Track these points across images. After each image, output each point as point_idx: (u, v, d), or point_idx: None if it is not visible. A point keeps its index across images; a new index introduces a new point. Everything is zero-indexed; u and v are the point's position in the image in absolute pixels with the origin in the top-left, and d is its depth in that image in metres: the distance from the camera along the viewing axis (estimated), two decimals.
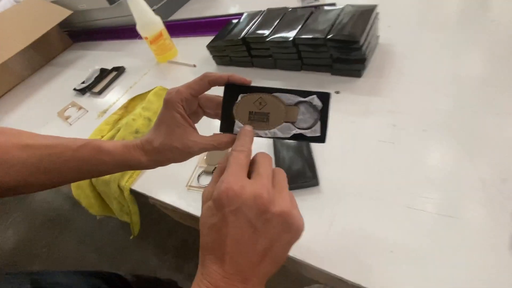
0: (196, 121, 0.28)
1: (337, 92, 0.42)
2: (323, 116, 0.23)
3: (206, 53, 0.60)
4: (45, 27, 0.90)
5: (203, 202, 0.20)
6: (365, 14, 0.42)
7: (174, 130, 0.24)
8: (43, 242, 1.20)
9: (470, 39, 0.41)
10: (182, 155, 0.26)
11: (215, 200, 0.18)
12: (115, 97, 0.66)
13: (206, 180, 0.39)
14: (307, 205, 0.31)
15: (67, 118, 0.65)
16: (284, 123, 0.24)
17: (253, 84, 0.24)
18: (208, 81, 0.24)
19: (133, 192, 0.43)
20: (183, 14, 0.86)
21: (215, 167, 0.38)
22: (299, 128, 0.24)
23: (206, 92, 0.25)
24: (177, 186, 0.39)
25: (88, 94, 0.71)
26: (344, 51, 0.41)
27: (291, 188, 0.31)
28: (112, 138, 0.49)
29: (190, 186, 0.39)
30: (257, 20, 0.53)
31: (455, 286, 0.22)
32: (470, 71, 0.37)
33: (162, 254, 0.97)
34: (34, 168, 0.25)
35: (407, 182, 0.29)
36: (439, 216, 0.26)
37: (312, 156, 0.34)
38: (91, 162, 0.26)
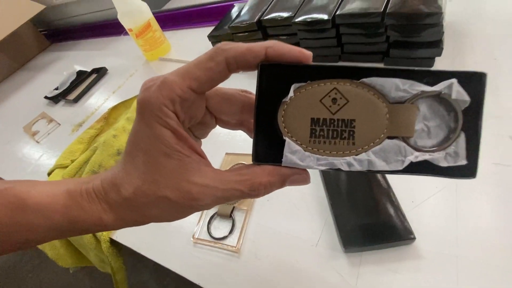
0: (203, 136, 0.16)
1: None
2: (472, 122, 0.11)
3: (207, 46, 0.47)
4: (14, 25, 0.76)
5: None
6: None
7: (161, 163, 0.12)
8: (29, 266, 1.08)
9: None
10: (177, 210, 0.13)
11: None
12: (93, 105, 0.52)
13: (219, 231, 0.26)
14: (400, 275, 0.19)
15: (34, 134, 0.51)
16: (388, 140, 0.12)
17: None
18: (227, 60, 0.11)
19: (114, 243, 0.30)
20: (175, 3, 0.73)
21: (233, 208, 0.25)
22: (420, 149, 0.12)
23: (220, 85, 0.13)
24: (179, 238, 0.26)
25: (62, 102, 0.58)
26: (411, 31, 0.29)
27: (378, 247, 0.18)
28: (86, 163, 0.36)
29: (197, 238, 0.26)
30: (272, 0, 0.41)
31: None
32: None
33: (161, 279, 0.85)
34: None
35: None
36: None
37: (396, 199, 0.22)
38: (8, 228, 0.13)
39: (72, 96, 0.56)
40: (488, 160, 0.22)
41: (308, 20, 0.33)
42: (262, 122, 0.12)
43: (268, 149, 0.12)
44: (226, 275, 0.23)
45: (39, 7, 0.80)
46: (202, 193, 0.12)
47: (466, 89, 0.11)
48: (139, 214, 0.13)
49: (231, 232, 0.25)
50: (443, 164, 0.11)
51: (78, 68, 0.64)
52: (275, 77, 0.12)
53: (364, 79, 0.11)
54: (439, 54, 0.29)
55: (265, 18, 0.37)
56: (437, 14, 0.26)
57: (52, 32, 0.94)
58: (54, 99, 0.57)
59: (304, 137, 0.12)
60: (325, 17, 0.32)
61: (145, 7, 0.51)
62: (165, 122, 0.11)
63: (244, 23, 0.39)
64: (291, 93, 0.12)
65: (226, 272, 0.23)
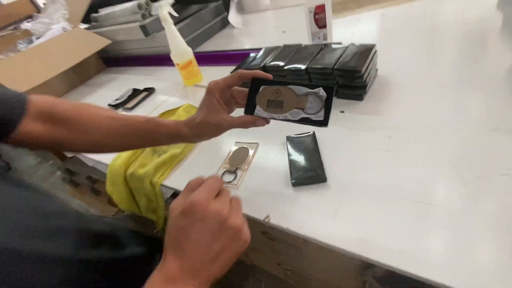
0: (230, 111, 0.36)
1: (342, 112, 0.50)
2: (327, 104, 0.30)
3: None
4: (86, 53, 1.03)
5: (172, 210, 0.24)
6: (366, 51, 0.52)
7: (211, 110, 0.33)
8: None
9: (453, 75, 0.50)
10: (215, 129, 0.34)
11: (186, 207, 0.23)
12: (145, 112, 0.75)
13: (228, 178, 0.45)
14: (316, 197, 0.37)
15: None
16: (295, 109, 0.31)
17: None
18: (239, 76, 0.32)
19: (163, 189, 0.49)
20: (208, 46, 0.99)
21: (236, 168, 0.45)
22: (307, 114, 0.30)
23: (236, 87, 0.34)
24: None
25: (121, 109, 0.80)
26: (348, 79, 0.50)
27: (304, 183, 0.37)
28: (143, 149, 0.57)
29: None
30: (274, 53, 0.64)
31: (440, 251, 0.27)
32: (449, 99, 0.45)
33: None
34: (115, 133, 0.35)
35: (400, 180, 0.36)
36: (420, 204, 0.32)
37: (321, 158, 0.41)
38: (152, 132, 0.35)
39: (129, 105, 0.79)
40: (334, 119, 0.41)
41: (292, 68, 0.55)
42: (249, 100, 0.33)
43: (250, 109, 0.32)
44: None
45: (106, 42, 1.07)
46: (224, 122, 0.33)
47: (325, 91, 0.31)
48: (201, 130, 0.34)
49: (234, 179, 0.44)
50: (314, 119, 0.31)
51: (133, 86, 0.88)
52: (256, 83, 0.33)
53: (289, 86, 0.32)
54: (365, 94, 0.50)
55: (267, 64, 0.60)
56: (360, 71, 0.47)
57: (108, 58, 1.22)
58: (116, 106, 0.80)
59: (264, 106, 0.32)
60: (302, 67, 0.54)
61: (189, 50, 0.76)
62: (215, 96, 0.32)
63: (254, 66, 0.61)
64: (261, 89, 0.32)
65: (235, 192, 0.42)
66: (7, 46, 1.09)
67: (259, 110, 0.32)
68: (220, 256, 0.23)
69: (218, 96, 0.32)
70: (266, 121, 0.33)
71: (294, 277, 0.74)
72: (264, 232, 0.60)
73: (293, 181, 0.39)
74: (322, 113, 0.30)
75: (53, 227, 0.27)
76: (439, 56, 0.57)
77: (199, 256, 0.23)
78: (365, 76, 0.49)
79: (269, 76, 0.32)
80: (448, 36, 0.61)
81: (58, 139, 0.35)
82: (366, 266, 0.44)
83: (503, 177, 0.32)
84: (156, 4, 0.72)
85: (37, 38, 1.08)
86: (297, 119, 0.31)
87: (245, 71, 0.32)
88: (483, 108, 0.42)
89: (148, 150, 0.55)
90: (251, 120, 0.32)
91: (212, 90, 0.32)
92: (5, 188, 0.27)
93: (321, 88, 0.30)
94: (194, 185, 0.26)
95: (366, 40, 0.61)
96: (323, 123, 0.30)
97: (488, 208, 0.30)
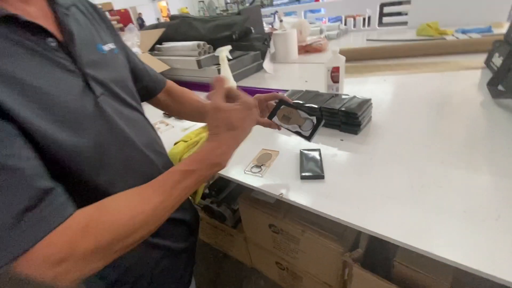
0: (263, 115, 0.56)
1: (342, 140, 0.70)
2: (315, 128, 0.48)
3: None
4: None
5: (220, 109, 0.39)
6: (364, 102, 0.74)
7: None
8: None
9: (429, 123, 0.70)
10: (250, 124, 0.55)
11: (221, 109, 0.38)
12: (192, 123, 0.97)
13: (255, 170, 0.64)
14: (316, 187, 0.55)
15: (158, 129, 0.96)
16: (295, 125, 0.50)
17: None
18: (273, 95, 0.53)
19: None
20: (245, 83, 1.26)
21: (262, 164, 0.64)
22: (300, 129, 0.49)
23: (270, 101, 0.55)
24: (239, 171, 0.65)
25: (172, 118, 1.03)
26: (348, 119, 0.71)
27: (308, 178, 0.56)
28: (195, 144, 0.77)
29: (245, 171, 0.64)
30: (298, 94, 0.87)
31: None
32: (417, 144, 0.65)
33: None
34: (195, 109, 0.61)
35: (370, 183, 0.54)
36: (381, 196, 0.50)
37: (322, 164, 0.60)
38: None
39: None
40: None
41: (309, 106, 0.77)
42: (273, 111, 0.54)
43: (271, 116, 0.53)
44: (256, 181, 0.60)
45: (166, 67, 1.36)
46: (258, 121, 0.54)
47: (317, 120, 0.50)
48: None
49: (259, 171, 0.63)
50: (303, 134, 0.51)
51: None
52: (280, 103, 0.54)
53: (298, 110, 0.52)
54: (359, 131, 0.71)
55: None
56: (357, 114, 0.68)
57: None
58: (168, 115, 1.04)
59: (280, 117, 0.53)
60: (317, 106, 0.76)
61: (234, 83, 1.01)
62: (255, 105, 0.53)
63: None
64: (281, 107, 0.53)
65: (256, 181, 0.60)
66: None
67: (275, 119, 0.53)
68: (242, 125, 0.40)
69: (257, 104, 0.53)
70: (277, 127, 0.53)
71: (288, 277, 0.87)
72: (271, 225, 0.77)
73: (302, 174, 0.58)
74: (309, 132, 0.49)
75: (156, 150, 0.52)
76: (418, 115, 0.78)
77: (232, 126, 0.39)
78: (360, 118, 0.70)
79: (289, 100, 0.53)
80: (430, 102, 0.83)
81: (169, 105, 0.64)
82: (347, 251, 0.60)
83: (435, 187, 0.50)
84: (219, 48, 0.99)
85: None
86: (293, 130, 0.51)
87: (278, 93, 0.54)
88: (434, 147, 0.61)
89: (198, 145, 0.75)
90: (269, 123, 0.53)
91: (255, 100, 0.54)
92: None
93: (315, 117, 0.49)
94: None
95: (368, 96, 0.83)
96: (308, 138, 0.49)
97: (425, 203, 0.47)
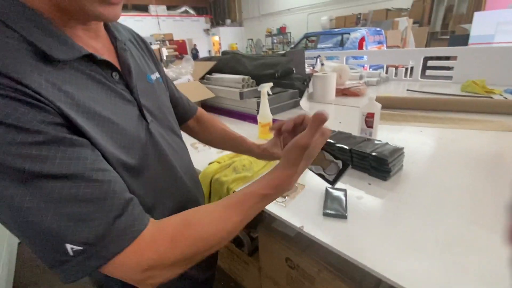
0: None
1: (369, 184, 0.71)
2: (340, 173, 0.43)
3: None
4: (198, 98, 1.46)
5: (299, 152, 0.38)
6: (397, 150, 0.74)
7: (273, 145, 0.58)
8: None
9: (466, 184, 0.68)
10: (270, 155, 0.60)
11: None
12: None
13: (280, 199, 0.67)
14: (338, 226, 0.56)
15: (196, 147, 1.05)
16: (319, 166, 0.45)
17: None
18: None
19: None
20: (282, 117, 1.33)
21: (287, 195, 0.67)
22: (324, 172, 0.44)
23: None
24: None
25: None
26: (378, 164, 0.72)
27: (330, 216, 0.57)
28: (228, 166, 0.83)
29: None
30: (332, 134, 0.90)
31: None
32: (446, 202, 0.63)
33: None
34: (222, 138, 0.66)
35: (397, 233, 0.53)
36: (401, 244, 0.49)
37: (347, 204, 0.61)
38: (239, 143, 0.65)
39: None
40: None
41: (339, 147, 0.80)
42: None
43: None
44: (278, 210, 0.63)
45: (212, 94, 1.50)
46: (275, 154, 0.60)
47: (343, 165, 0.43)
48: (264, 152, 0.62)
49: (283, 201, 0.66)
50: (327, 178, 0.45)
51: None
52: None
53: (323, 150, 0.50)
54: (389, 177, 0.71)
55: None
56: (387, 161, 0.69)
57: (207, 104, 1.65)
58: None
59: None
60: (347, 147, 0.78)
61: (270, 116, 1.08)
62: (279, 138, 0.57)
63: None
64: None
65: (279, 210, 0.63)
66: None
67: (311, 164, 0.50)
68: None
69: (280, 138, 0.55)
70: None
71: None
72: (288, 259, 0.77)
73: (325, 211, 0.59)
74: (333, 176, 0.44)
75: (193, 177, 0.56)
76: (453, 170, 0.75)
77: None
78: (390, 165, 0.70)
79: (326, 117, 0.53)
80: (467, 159, 0.81)
81: (197, 132, 0.69)
82: None
83: (466, 248, 0.48)
84: (262, 84, 1.09)
85: None
86: (316, 172, 0.45)
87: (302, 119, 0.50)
88: (466, 205, 0.58)
89: (230, 168, 0.81)
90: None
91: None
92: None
93: (341, 161, 0.43)
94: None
95: (402, 144, 0.83)
96: (332, 182, 0.44)
97: (449, 261, 0.46)
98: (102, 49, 0.40)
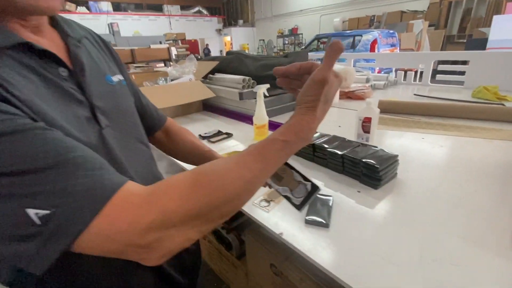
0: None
1: (359, 191, 0.68)
2: (308, 196, 0.39)
3: None
4: (198, 98, 1.46)
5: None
6: (390, 158, 0.71)
7: None
8: None
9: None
10: None
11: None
12: (221, 146, 1.03)
13: (263, 203, 0.65)
14: (319, 234, 0.54)
15: None
16: (287, 187, 0.41)
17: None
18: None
19: None
20: (280, 119, 1.31)
21: (271, 200, 0.65)
22: (291, 195, 0.41)
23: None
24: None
25: (206, 140, 1.12)
26: (369, 171, 0.69)
27: (312, 223, 0.55)
28: None
29: (254, 203, 0.65)
30: (324, 138, 0.88)
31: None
32: (438, 214, 0.59)
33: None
34: (190, 152, 0.63)
35: (377, 241, 0.50)
36: (381, 259, 0.46)
37: (331, 212, 0.59)
38: (208, 158, 0.61)
39: (214, 139, 1.10)
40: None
41: (332, 152, 0.77)
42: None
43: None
44: (261, 215, 0.61)
45: (212, 94, 1.50)
46: None
47: (312, 187, 0.40)
48: None
49: (267, 206, 0.64)
50: (293, 201, 0.40)
51: (219, 128, 1.21)
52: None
53: (293, 170, 0.45)
54: (379, 186, 0.68)
55: (316, 143, 0.83)
56: (378, 168, 0.66)
57: (208, 104, 1.64)
58: (204, 137, 1.12)
59: (272, 175, 0.48)
60: (339, 153, 0.75)
61: (266, 118, 1.06)
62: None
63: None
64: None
65: (261, 215, 0.61)
66: (152, 79, 1.62)
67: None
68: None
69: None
70: (265, 184, 0.45)
71: None
72: (272, 265, 0.75)
73: (306, 218, 0.57)
74: (301, 199, 0.40)
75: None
76: (451, 181, 0.71)
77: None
78: (381, 173, 0.67)
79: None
80: (469, 170, 0.76)
81: (164, 144, 0.65)
82: None
83: (449, 265, 0.45)
84: (257, 86, 1.08)
85: (172, 80, 1.58)
86: (283, 194, 0.42)
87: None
88: (459, 219, 0.55)
89: None
90: None
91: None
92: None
93: (310, 183, 0.40)
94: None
95: (401, 152, 0.80)
96: (297, 207, 0.40)
97: (431, 279, 0.43)
98: (48, 44, 0.37)
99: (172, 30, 10.72)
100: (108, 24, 5.19)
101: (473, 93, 1.51)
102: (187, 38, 10.74)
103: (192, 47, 10.46)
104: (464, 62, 1.77)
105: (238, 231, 0.98)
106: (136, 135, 0.48)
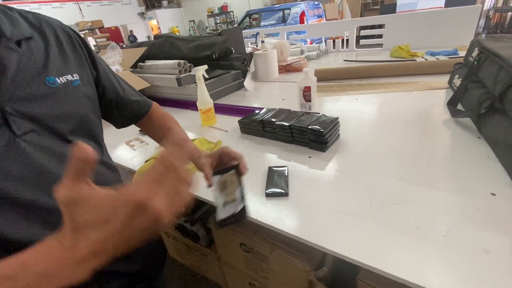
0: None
1: (309, 157, 0.72)
2: (230, 218, 0.39)
3: (235, 126, 0.93)
4: None
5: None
6: (332, 121, 0.76)
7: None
8: None
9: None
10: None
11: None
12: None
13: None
14: (280, 204, 0.56)
15: (132, 146, 0.95)
16: (224, 199, 0.42)
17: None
18: (235, 156, 0.49)
19: None
20: (225, 101, 1.28)
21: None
22: (222, 206, 0.41)
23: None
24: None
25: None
26: (316, 137, 0.73)
27: (273, 195, 0.56)
28: None
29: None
30: (271, 112, 0.89)
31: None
32: (379, 159, 0.67)
33: None
34: (164, 136, 0.60)
35: (332, 198, 0.55)
36: (339, 213, 0.50)
37: (288, 182, 0.61)
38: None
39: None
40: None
41: (280, 124, 0.79)
42: (220, 171, 0.47)
43: (216, 173, 0.46)
44: None
45: (146, 84, 1.37)
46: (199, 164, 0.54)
47: (241, 210, 0.40)
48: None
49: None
50: (218, 216, 0.40)
51: None
52: (234, 167, 0.47)
53: (240, 188, 0.46)
54: (326, 148, 0.72)
55: (265, 119, 0.84)
56: (323, 132, 0.71)
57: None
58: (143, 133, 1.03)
59: (221, 181, 0.46)
60: (287, 124, 0.78)
61: (211, 101, 1.02)
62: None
63: (256, 120, 0.85)
64: (230, 172, 0.48)
65: None
66: None
67: (216, 178, 0.44)
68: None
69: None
70: (209, 183, 0.45)
71: None
72: (242, 244, 0.76)
73: (266, 191, 0.58)
74: (224, 217, 0.39)
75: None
76: (384, 133, 0.80)
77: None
78: (326, 136, 0.72)
79: (245, 172, 0.47)
80: (397, 120, 0.86)
81: (147, 130, 0.67)
82: (313, 269, 0.60)
83: (392, 204, 0.51)
84: (195, 68, 1.02)
85: None
86: (215, 202, 0.42)
87: (241, 158, 0.49)
88: (395, 164, 0.63)
89: None
90: (207, 172, 0.46)
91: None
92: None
93: (243, 205, 0.41)
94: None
95: (340, 114, 0.86)
96: (218, 223, 0.39)
97: (381, 220, 0.48)
98: None
99: (84, 18, 9.31)
100: None
101: (391, 53, 1.70)
102: (105, 26, 9.50)
103: (114, 35, 9.32)
104: (381, 26, 1.96)
105: (203, 220, 0.96)
106: (72, 139, 0.43)
